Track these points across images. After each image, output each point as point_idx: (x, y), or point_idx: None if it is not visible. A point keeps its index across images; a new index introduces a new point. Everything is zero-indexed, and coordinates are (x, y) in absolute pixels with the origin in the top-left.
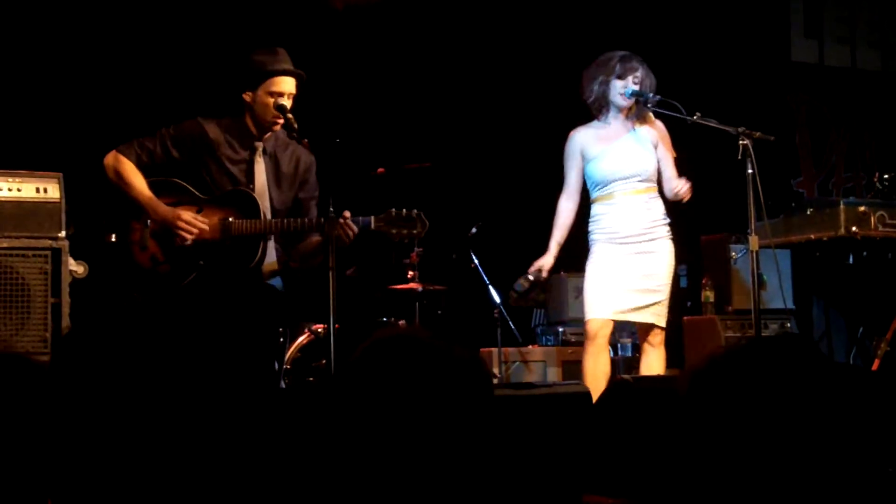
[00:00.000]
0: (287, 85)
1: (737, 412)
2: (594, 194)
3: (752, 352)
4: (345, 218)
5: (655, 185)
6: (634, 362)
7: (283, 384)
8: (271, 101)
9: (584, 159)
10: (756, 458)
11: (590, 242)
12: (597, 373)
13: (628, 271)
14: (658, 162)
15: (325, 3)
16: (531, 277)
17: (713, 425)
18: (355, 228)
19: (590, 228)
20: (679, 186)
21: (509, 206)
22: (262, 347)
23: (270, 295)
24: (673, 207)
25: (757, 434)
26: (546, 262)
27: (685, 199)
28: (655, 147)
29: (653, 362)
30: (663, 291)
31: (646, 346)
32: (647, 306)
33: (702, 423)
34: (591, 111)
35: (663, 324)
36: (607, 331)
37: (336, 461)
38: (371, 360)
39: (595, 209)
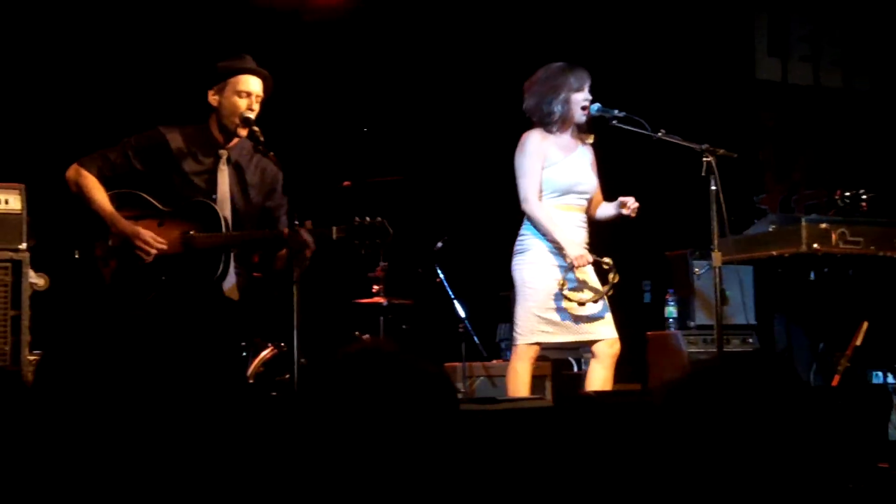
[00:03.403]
0: (253, 84)
1: (710, 426)
2: (545, 201)
3: (726, 367)
4: (306, 228)
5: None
6: None
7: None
8: (238, 100)
9: (546, 162)
10: (726, 471)
11: (525, 247)
12: (527, 387)
13: (566, 287)
14: None
15: (294, 16)
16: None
17: (687, 437)
18: (309, 240)
19: (527, 232)
20: (628, 202)
21: (475, 221)
22: (227, 362)
23: (232, 309)
24: (637, 222)
25: (729, 448)
26: (585, 254)
27: (632, 215)
28: (592, 166)
29: (601, 377)
30: (604, 306)
31: (591, 360)
32: (591, 324)
33: (676, 435)
34: (542, 126)
35: (612, 335)
36: (537, 353)
37: (300, 475)
38: (338, 373)
39: None
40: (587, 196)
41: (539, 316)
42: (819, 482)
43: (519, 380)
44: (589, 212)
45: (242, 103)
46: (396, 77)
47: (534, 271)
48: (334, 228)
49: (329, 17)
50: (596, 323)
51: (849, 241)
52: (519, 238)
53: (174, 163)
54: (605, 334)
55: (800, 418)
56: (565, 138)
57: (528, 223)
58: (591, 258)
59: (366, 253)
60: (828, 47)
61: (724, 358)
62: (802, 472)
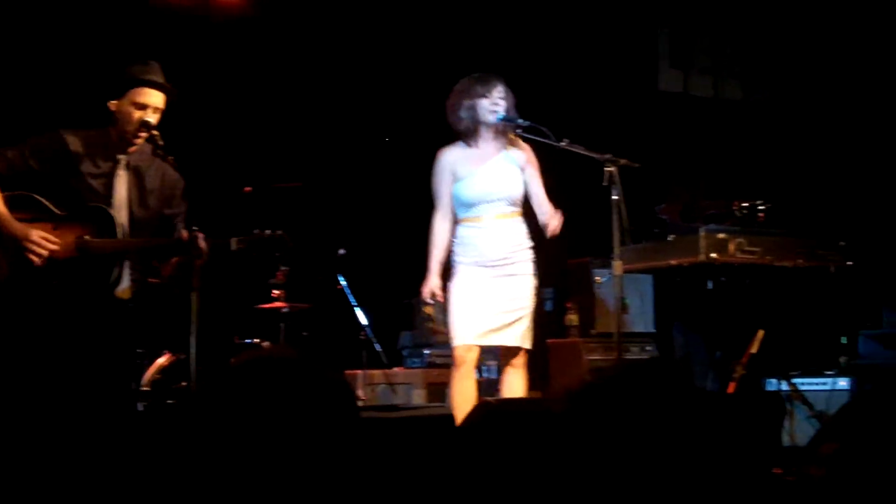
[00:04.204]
0: (154, 98)
1: (609, 432)
2: (461, 215)
3: (624, 375)
4: (195, 237)
5: (520, 209)
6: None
7: (140, 406)
8: (135, 112)
9: (455, 178)
10: (625, 476)
11: (454, 264)
12: (464, 398)
13: (492, 295)
14: (525, 185)
15: (193, 18)
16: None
17: (587, 444)
18: (205, 249)
19: (454, 250)
20: (552, 222)
21: (377, 229)
22: (118, 368)
23: (127, 315)
24: (539, 231)
25: (627, 453)
26: (435, 283)
27: (555, 233)
28: (523, 170)
29: (514, 384)
30: (526, 313)
31: (507, 368)
32: (511, 329)
33: (576, 442)
34: (460, 137)
35: (528, 345)
36: (474, 356)
37: (198, 483)
38: (236, 380)
39: (462, 231)
40: (509, 201)
41: (462, 321)
42: (715, 486)
43: (458, 388)
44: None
45: (139, 115)
46: (299, 81)
47: (459, 287)
48: (233, 240)
49: (230, 20)
50: (510, 330)
51: (746, 250)
52: (452, 251)
53: (72, 166)
54: (517, 342)
55: (695, 424)
56: (483, 148)
57: (456, 241)
58: (426, 296)
59: (266, 263)
60: (728, 60)
61: (622, 366)
62: (699, 476)
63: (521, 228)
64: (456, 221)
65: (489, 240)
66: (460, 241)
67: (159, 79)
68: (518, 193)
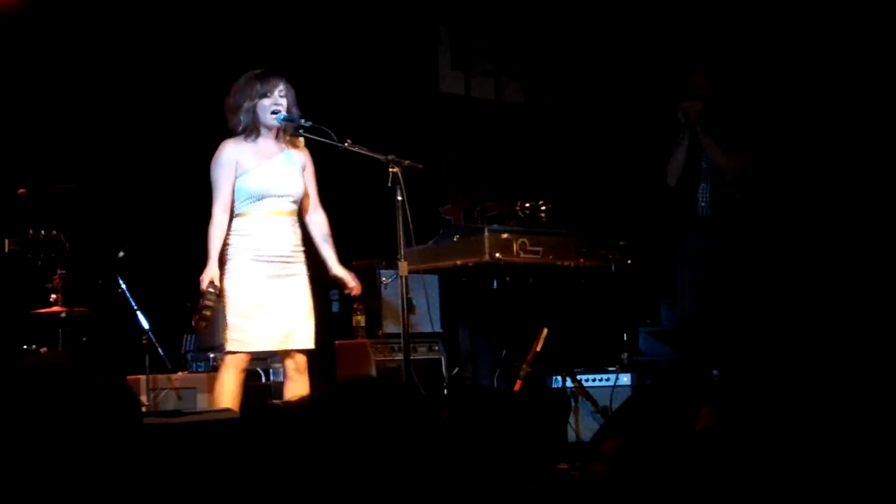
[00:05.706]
0: None
1: (341, 440)
2: (242, 208)
3: (345, 389)
4: None
5: (298, 209)
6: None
7: None
8: None
9: (238, 171)
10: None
11: (229, 258)
12: (228, 397)
13: (270, 298)
14: (304, 187)
15: None
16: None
17: (326, 450)
18: None
19: (231, 241)
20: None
21: (157, 230)
22: None
23: None
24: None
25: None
26: (215, 272)
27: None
28: (303, 171)
29: (297, 387)
30: (306, 315)
31: (290, 373)
32: (291, 333)
33: (318, 448)
34: (238, 135)
35: (309, 346)
36: (246, 363)
37: None
38: (11, 388)
39: (240, 223)
40: (292, 199)
41: (239, 325)
42: (501, 483)
43: (224, 389)
44: (302, 215)
45: None
46: (74, 81)
47: (234, 280)
48: (7, 241)
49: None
50: (290, 332)
51: (529, 250)
52: (227, 243)
53: None
54: (299, 344)
55: (420, 429)
56: (266, 145)
57: (232, 233)
58: (209, 288)
59: (42, 265)
60: (508, 62)
61: (347, 381)
62: (483, 474)
63: (298, 230)
64: (233, 215)
65: (269, 235)
66: (239, 232)
67: None
68: (300, 192)
